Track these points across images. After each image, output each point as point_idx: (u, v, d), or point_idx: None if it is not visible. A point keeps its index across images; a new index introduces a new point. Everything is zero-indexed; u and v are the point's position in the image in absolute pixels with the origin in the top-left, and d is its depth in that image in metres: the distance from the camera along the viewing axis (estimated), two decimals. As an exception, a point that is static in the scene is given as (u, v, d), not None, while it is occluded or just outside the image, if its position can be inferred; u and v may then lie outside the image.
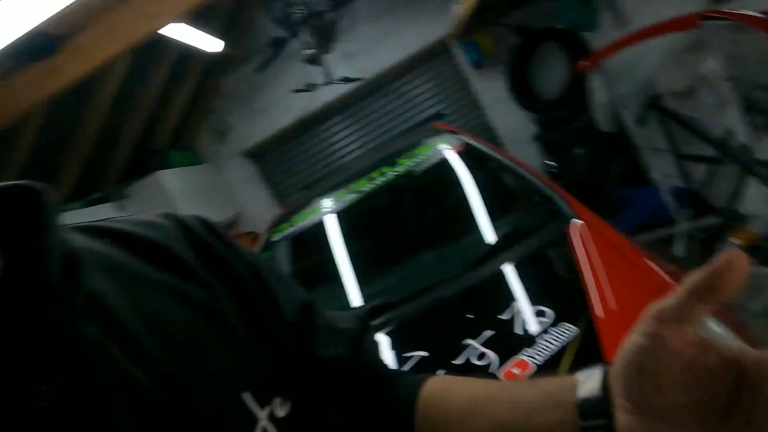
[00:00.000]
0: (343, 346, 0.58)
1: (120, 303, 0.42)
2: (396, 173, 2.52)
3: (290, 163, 5.31)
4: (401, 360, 1.52)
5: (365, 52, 4.81)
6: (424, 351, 1.51)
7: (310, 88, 4.24)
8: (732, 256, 0.32)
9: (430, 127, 3.18)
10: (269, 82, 4.87)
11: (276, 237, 2.68)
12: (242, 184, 5.22)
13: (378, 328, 1.78)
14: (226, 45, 4.16)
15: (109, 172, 3.98)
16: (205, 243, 0.54)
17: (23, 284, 0.36)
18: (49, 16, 1.22)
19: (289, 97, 4.87)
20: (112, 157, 3.96)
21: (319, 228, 2.53)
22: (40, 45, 1.44)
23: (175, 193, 4.21)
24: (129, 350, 0.39)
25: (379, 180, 2.55)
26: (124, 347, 0.39)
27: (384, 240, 2.57)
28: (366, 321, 0.65)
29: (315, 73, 4.42)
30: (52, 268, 0.37)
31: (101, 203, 3.86)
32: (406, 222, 2.50)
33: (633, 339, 0.35)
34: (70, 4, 1.22)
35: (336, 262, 2.38)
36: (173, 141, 4.75)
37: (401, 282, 2.14)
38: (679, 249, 3.24)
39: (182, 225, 0.54)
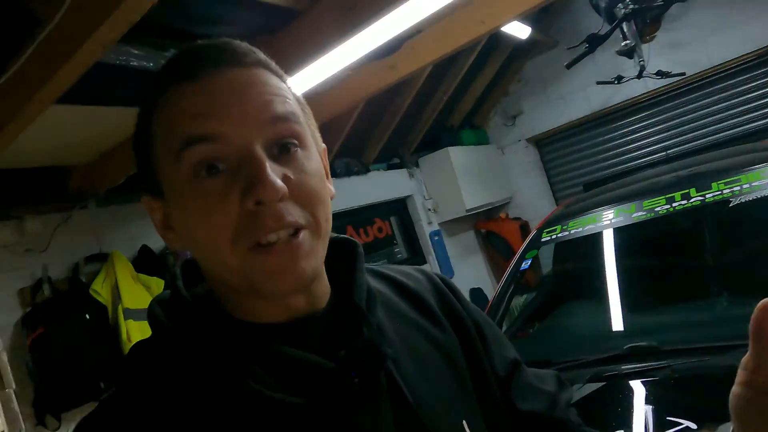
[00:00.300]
0: (540, 404, 0.67)
1: (393, 333, 0.57)
2: (706, 199, 2.14)
3: (573, 157, 5.06)
4: (661, 424, 1.35)
5: (694, 43, 4.14)
6: (692, 422, 1.31)
7: (617, 80, 3.89)
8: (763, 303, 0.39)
9: (765, 145, 2.58)
10: (572, 70, 4.65)
11: (546, 237, 2.62)
12: (520, 169, 5.23)
13: (635, 374, 1.61)
14: (534, 30, 4.12)
15: (408, 143, 4.49)
16: (447, 298, 0.67)
17: (344, 307, 0.54)
18: (408, 27, 1.46)
19: (590, 88, 4.59)
20: (412, 130, 4.45)
21: (594, 240, 2.36)
22: (389, 46, 1.71)
23: (459, 168, 4.50)
24: (398, 368, 0.54)
25: (682, 202, 2.22)
26: (395, 365, 0.54)
27: (668, 272, 2.25)
28: (564, 380, 0.73)
29: (626, 65, 4.03)
30: (360, 298, 0.54)
31: (398, 168, 4.42)
32: (705, 259, 2.13)
33: (732, 390, 0.43)
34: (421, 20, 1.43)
35: (603, 280, 2.21)
36: (466, 119, 5.03)
37: (678, 327, 1.86)
38: None
39: (431, 280, 0.70)
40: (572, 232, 2.47)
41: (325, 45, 1.51)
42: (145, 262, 2.44)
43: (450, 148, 4.51)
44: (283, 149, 0.47)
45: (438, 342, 0.61)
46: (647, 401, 1.49)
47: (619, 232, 2.27)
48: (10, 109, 1.33)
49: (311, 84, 1.85)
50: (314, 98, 2.14)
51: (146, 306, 1.87)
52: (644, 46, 3.78)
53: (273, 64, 0.52)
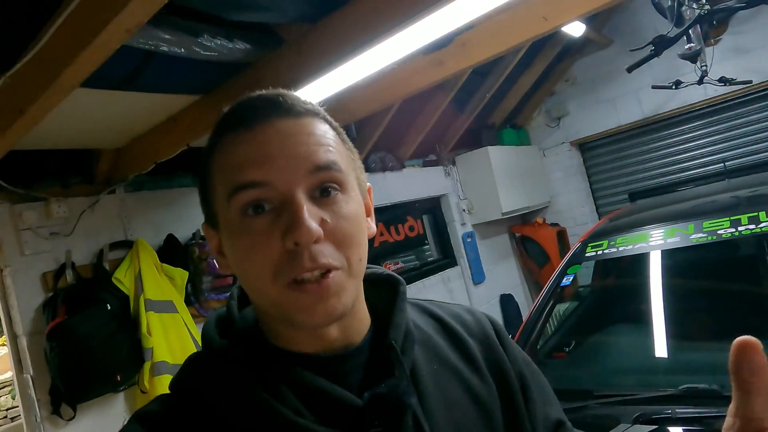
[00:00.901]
0: None
1: (428, 378, 0.58)
2: (777, 225, 1.93)
3: (619, 164, 4.80)
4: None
5: (763, 49, 3.83)
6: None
7: (675, 85, 3.63)
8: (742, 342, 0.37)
9: None
10: (624, 72, 4.39)
11: (591, 252, 2.44)
12: (561, 173, 5.01)
13: (690, 421, 1.44)
14: (588, 28, 3.89)
15: (446, 139, 4.32)
16: (493, 346, 0.66)
17: (380, 345, 0.56)
18: (464, 23, 1.31)
19: (643, 91, 4.33)
20: (452, 126, 4.28)
21: (644, 260, 2.18)
22: (439, 41, 1.56)
23: (497, 168, 4.31)
24: (427, 414, 0.55)
25: (749, 226, 2.01)
26: (425, 410, 0.55)
27: (731, 303, 2.05)
28: None
29: (685, 69, 3.76)
30: (396, 338, 0.56)
31: (433, 165, 4.27)
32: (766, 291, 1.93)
33: None
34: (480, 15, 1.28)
35: (655, 306, 2.03)
36: (508, 118, 4.83)
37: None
38: None
39: (480, 324, 0.68)
40: (621, 249, 2.28)
41: (369, 38, 1.38)
42: (170, 252, 2.37)
43: (490, 148, 4.32)
44: (324, 192, 0.51)
45: (475, 392, 0.61)
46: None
47: (674, 253, 2.08)
48: (31, 93, 1.25)
49: (352, 80, 1.72)
50: (353, 94, 2.00)
51: (168, 298, 1.82)
52: (707, 50, 3.50)
53: (322, 112, 0.56)
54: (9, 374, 5.75)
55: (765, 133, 4.02)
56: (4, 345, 6.29)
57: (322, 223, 0.49)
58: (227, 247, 0.54)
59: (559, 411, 0.67)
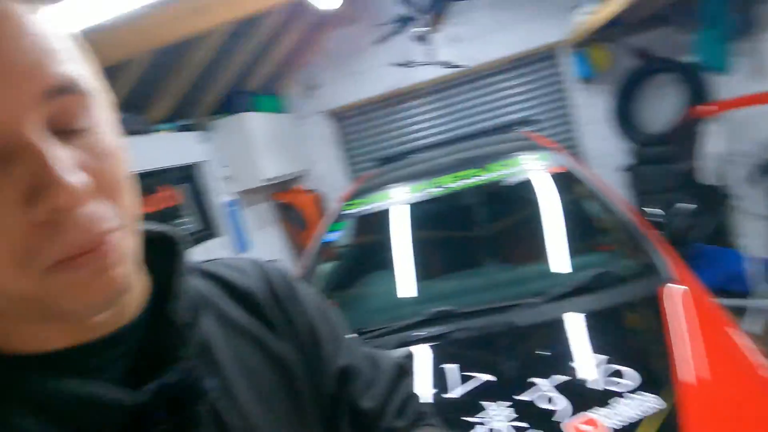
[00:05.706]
0: (374, 400, 0.61)
1: (222, 349, 0.49)
2: (483, 179, 2.46)
3: (368, 132, 5.29)
4: (464, 378, 1.50)
5: (473, 40, 4.66)
6: (489, 375, 1.49)
7: (408, 64, 4.18)
8: None
9: (525, 136, 3.08)
10: (369, 49, 4.82)
11: (348, 210, 2.70)
12: (317, 141, 5.26)
13: (439, 337, 1.76)
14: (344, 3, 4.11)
15: (204, 103, 4.08)
16: (282, 298, 0.58)
17: (160, 319, 0.44)
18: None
19: (384, 68, 4.81)
20: (209, 90, 4.05)
21: (391, 213, 2.51)
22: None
23: (255, 136, 4.29)
24: (227, 392, 0.47)
25: (466, 181, 2.50)
26: (224, 389, 0.47)
27: (454, 243, 2.53)
28: (405, 368, 0.69)
29: (416, 51, 4.34)
30: (175, 312, 0.45)
31: (188, 131, 3.99)
32: (482, 232, 2.44)
33: None
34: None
35: (399, 251, 2.38)
36: (265, 85, 4.81)
37: (464, 292, 2.10)
38: (753, 325, 3.05)
39: (265, 276, 0.60)
40: (373, 205, 2.57)
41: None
42: None
43: (246, 114, 4.26)
44: (69, 122, 0.35)
45: (272, 353, 0.54)
46: (452, 359, 1.61)
47: (413, 207, 2.45)
48: None
49: (109, 14, 1.46)
50: (104, 34, 1.72)
51: None
52: (433, 37, 4.11)
53: None
54: None
55: (474, 110, 4.96)
56: None
57: (82, 167, 0.34)
58: None
59: (347, 355, 0.61)
